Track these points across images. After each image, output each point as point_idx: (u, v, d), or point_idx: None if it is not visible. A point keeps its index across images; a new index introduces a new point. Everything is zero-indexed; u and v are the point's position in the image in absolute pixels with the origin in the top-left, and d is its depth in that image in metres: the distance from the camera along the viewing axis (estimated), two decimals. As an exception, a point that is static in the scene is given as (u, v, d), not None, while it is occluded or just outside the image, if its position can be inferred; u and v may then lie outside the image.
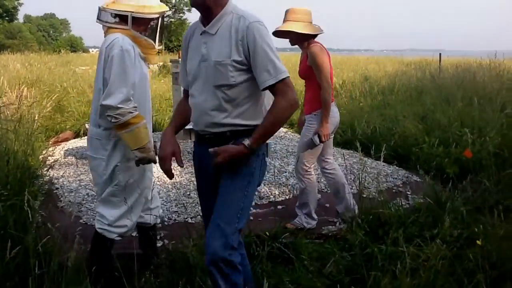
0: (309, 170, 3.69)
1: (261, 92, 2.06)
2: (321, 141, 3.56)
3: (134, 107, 2.49)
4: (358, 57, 24.89)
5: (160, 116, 8.76)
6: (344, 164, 5.14)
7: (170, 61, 7.93)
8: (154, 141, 2.77)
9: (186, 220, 3.90)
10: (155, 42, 2.78)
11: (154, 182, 3.03)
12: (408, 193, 4.56)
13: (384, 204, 3.59)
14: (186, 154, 6.27)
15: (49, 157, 5.62)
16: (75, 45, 52.63)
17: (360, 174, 3.85)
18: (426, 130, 5.96)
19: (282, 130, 8.06)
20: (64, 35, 73.15)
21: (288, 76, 1.97)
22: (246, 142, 1.98)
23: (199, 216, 3.91)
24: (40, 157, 5.38)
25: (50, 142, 6.72)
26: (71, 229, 3.06)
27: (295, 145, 6.70)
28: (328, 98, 3.49)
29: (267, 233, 3.31)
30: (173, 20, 53.92)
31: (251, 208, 4.01)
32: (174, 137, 2.21)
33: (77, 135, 7.52)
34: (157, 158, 2.39)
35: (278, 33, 3.57)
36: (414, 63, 16.12)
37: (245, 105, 2.04)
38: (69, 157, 5.99)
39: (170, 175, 2.23)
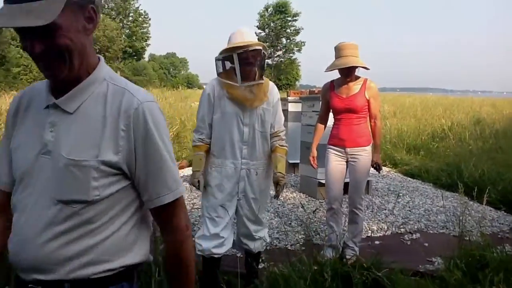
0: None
1: (142, 210, 1.28)
2: (379, 171, 3.83)
3: (199, 138, 3.07)
4: (472, 99, 23.77)
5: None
6: (443, 205, 5.12)
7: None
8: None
9: (286, 246, 4.16)
10: (235, 81, 2.96)
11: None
12: (515, 240, 4.39)
13: (486, 247, 3.55)
14: (289, 187, 6.58)
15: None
16: (191, 82, 56.44)
17: (462, 216, 3.85)
18: (540, 177, 5.67)
19: (385, 169, 8.08)
20: (182, 72, 78.85)
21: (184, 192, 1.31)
22: None
23: (298, 244, 4.17)
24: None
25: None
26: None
27: (397, 184, 6.73)
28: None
29: (364, 264, 3.44)
30: (283, 59, 55.67)
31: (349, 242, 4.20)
32: None
33: (191, 164, 8.22)
34: (201, 188, 3.08)
35: (338, 68, 3.69)
36: (536, 107, 15.06)
37: (108, 230, 1.19)
38: (184, 183, 6.60)
39: None
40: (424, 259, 3.88)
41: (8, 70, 32.89)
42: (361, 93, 3.68)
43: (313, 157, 3.94)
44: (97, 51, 32.41)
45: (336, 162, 3.82)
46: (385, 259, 3.44)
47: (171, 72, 78.31)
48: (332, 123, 3.90)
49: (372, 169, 3.86)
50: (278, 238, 4.38)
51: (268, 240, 3.45)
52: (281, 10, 53.45)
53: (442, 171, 6.98)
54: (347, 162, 3.81)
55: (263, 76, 3.08)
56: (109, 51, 43.93)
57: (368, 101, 3.70)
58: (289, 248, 4.12)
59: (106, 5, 52.53)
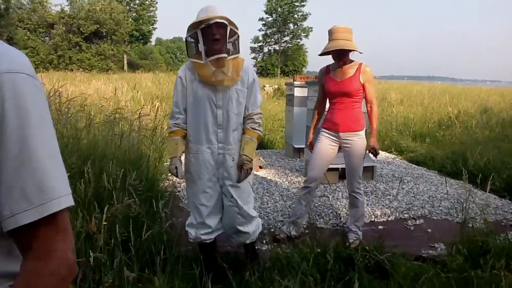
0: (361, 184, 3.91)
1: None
2: (376, 156, 3.78)
3: (174, 123, 2.98)
4: (481, 88, 23.61)
5: (271, 135, 9.29)
6: (447, 192, 5.12)
7: (285, 84, 8.42)
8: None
9: (290, 229, 4.19)
10: (201, 59, 2.80)
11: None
12: (519, 227, 4.40)
13: (489, 234, 3.57)
14: (294, 171, 6.60)
15: (172, 164, 6.29)
16: (198, 67, 56.23)
17: (466, 203, 3.86)
18: (546, 166, 5.67)
19: (390, 156, 8.10)
20: (189, 57, 78.60)
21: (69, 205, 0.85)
22: None
23: (302, 228, 4.20)
24: (165, 164, 6.06)
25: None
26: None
27: (402, 170, 6.73)
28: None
29: (367, 247, 3.47)
30: (290, 45, 55.36)
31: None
32: None
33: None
34: (179, 175, 2.92)
35: (331, 51, 3.66)
36: (544, 96, 14.97)
37: None
38: (189, 166, 6.63)
39: None
40: (427, 245, 3.90)
41: (15, 51, 32.90)
42: (356, 77, 3.67)
43: (310, 141, 4.01)
44: (104, 34, 32.43)
45: (326, 144, 3.83)
46: (387, 243, 3.48)
47: (178, 56, 78.21)
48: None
49: (370, 154, 3.86)
50: (282, 221, 4.41)
51: (258, 232, 3.23)
52: (289, -5, 53.04)
53: (448, 158, 6.97)
54: (340, 147, 3.82)
55: (239, 56, 2.91)
56: (116, 34, 43.82)
57: (363, 85, 3.69)
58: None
59: (113, -12, 52.30)
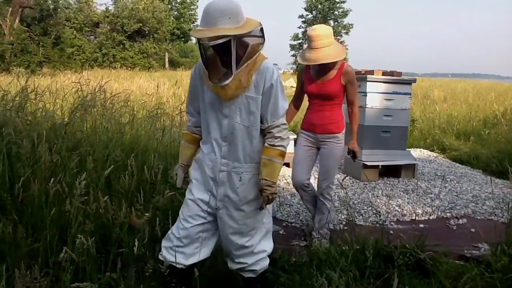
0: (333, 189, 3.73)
1: None
2: (355, 159, 3.65)
3: (187, 125, 2.64)
4: (530, 85, 22.74)
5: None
6: (492, 191, 4.95)
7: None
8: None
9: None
10: (207, 71, 2.30)
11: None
12: None
13: (537, 235, 3.44)
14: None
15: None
16: (237, 64, 56.20)
17: (511, 203, 3.74)
18: None
19: (433, 154, 7.92)
20: (228, 55, 79.12)
21: None
22: None
23: (341, 224, 4.19)
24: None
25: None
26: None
27: (445, 169, 6.59)
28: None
29: (407, 245, 3.42)
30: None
31: (393, 223, 4.19)
32: None
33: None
34: (178, 183, 2.64)
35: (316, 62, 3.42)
36: None
37: None
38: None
39: None
40: (470, 244, 3.80)
41: (63, 50, 34.08)
42: (337, 79, 3.52)
43: None
44: (146, 32, 33.03)
45: (304, 147, 3.72)
46: (428, 242, 3.41)
47: (218, 54, 78.69)
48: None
49: (348, 157, 3.77)
50: (320, 217, 4.41)
51: (261, 268, 2.63)
52: (330, -9, 52.48)
53: (493, 157, 6.75)
54: (319, 148, 3.70)
55: (260, 53, 2.32)
56: (157, 32, 44.60)
57: (344, 86, 3.54)
58: (332, 227, 4.14)
59: (156, -13, 53.26)
